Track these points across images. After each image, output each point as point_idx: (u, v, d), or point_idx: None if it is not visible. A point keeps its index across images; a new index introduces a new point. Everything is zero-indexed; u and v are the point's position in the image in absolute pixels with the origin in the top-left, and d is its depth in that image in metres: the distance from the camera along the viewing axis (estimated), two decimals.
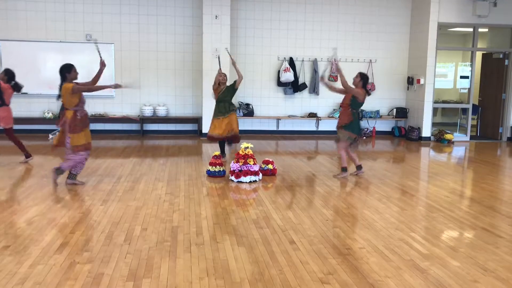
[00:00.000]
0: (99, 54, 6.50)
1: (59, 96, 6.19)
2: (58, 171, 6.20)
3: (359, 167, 7.17)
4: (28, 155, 7.66)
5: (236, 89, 8.00)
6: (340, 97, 10.71)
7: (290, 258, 3.88)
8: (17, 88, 7.77)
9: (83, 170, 7.14)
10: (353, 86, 6.82)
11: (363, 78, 6.81)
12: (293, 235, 4.44)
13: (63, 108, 6.30)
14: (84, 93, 6.16)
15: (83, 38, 10.85)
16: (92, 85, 6.28)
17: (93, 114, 10.86)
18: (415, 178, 7.24)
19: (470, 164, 9.05)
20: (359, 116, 6.96)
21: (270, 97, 11.64)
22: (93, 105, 10.82)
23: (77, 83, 6.11)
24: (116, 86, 6.60)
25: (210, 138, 8.06)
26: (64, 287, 3.31)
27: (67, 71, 6.08)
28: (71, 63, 6.22)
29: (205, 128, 10.79)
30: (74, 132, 6.02)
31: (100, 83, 6.44)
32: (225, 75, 7.99)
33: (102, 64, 6.39)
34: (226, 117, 7.87)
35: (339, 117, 7.13)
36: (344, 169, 7.01)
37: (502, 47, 11.81)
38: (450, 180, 7.14)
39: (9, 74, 7.59)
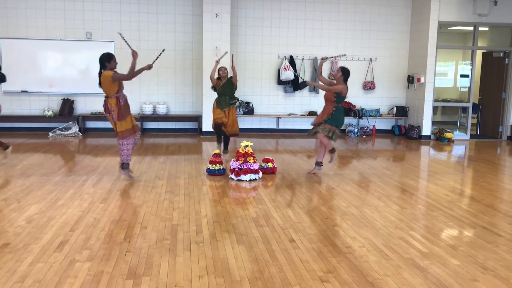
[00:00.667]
0: (128, 44, 6.47)
1: (100, 84, 6.19)
2: (124, 166, 6.37)
3: (319, 164, 7.08)
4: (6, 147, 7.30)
5: (235, 83, 8.15)
6: None
7: (290, 257, 3.88)
8: (2, 78, 7.45)
9: (83, 168, 7.16)
10: (334, 82, 6.88)
11: (344, 73, 6.85)
12: (293, 234, 4.44)
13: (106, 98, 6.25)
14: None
15: (83, 36, 10.85)
16: (133, 74, 6.25)
17: (93, 112, 10.86)
18: (415, 177, 7.24)
19: (470, 162, 9.04)
20: (343, 110, 6.96)
21: (270, 96, 11.64)
22: (93, 103, 10.83)
23: (116, 72, 6.17)
24: (150, 67, 6.47)
25: (214, 125, 8.17)
26: (64, 285, 3.31)
27: (106, 60, 6.12)
28: (111, 52, 6.28)
29: (205, 127, 10.82)
30: (123, 118, 6.17)
31: None
32: (225, 69, 8.07)
33: (135, 54, 6.35)
34: (225, 111, 8.06)
35: (321, 112, 7.04)
36: (318, 163, 7.05)
37: (502, 46, 11.80)
38: (450, 178, 7.14)
39: None
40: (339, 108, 6.86)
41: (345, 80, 6.84)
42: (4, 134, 10.39)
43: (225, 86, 8.05)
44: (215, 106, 8.17)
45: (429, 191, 6.37)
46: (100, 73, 6.14)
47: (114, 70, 6.19)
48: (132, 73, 6.22)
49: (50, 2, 10.67)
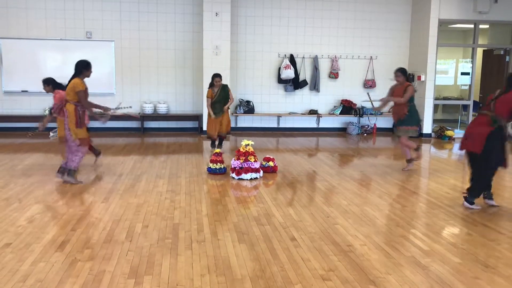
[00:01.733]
0: (118, 109, 6.62)
1: (66, 86, 6.14)
2: (70, 172, 6.16)
3: (410, 161, 7.33)
4: (98, 153, 7.51)
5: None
6: (339, 94, 10.75)
7: (291, 255, 3.88)
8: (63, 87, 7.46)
9: (83, 168, 7.15)
10: (404, 95, 6.92)
11: (404, 73, 7.06)
12: (294, 232, 4.44)
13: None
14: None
15: (83, 36, 10.85)
16: (88, 106, 6.21)
17: (94, 111, 10.84)
18: (416, 175, 7.23)
19: None
20: (414, 107, 7.18)
21: (271, 94, 11.64)
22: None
23: (86, 89, 6.13)
24: (107, 109, 6.48)
25: (209, 136, 8.85)
26: (66, 284, 3.31)
27: (85, 67, 6.10)
28: (89, 61, 6.22)
29: (206, 126, 10.83)
30: (81, 126, 6.11)
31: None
32: (220, 79, 8.47)
33: (107, 110, 6.43)
34: (219, 117, 8.53)
35: (392, 113, 7.32)
36: (409, 161, 7.32)
37: (503, 44, 11.79)
38: (451, 176, 7.14)
39: (51, 82, 7.20)
40: (411, 107, 7.07)
41: (408, 78, 7.11)
42: (5, 134, 10.40)
43: (220, 95, 8.46)
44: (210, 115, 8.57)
45: (430, 189, 6.36)
46: (72, 77, 6.06)
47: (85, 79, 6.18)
48: (89, 107, 6.23)
49: (50, 2, 10.67)
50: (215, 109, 8.48)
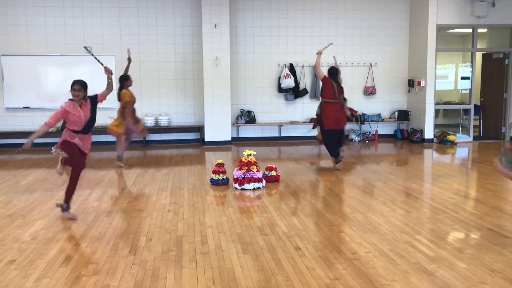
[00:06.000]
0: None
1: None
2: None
3: None
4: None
5: None
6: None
7: (296, 265, 3.87)
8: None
9: (87, 182, 7.16)
10: None
11: None
12: (299, 241, 4.43)
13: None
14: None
15: (83, 51, 10.89)
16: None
17: (95, 125, 10.87)
18: (419, 181, 7.21)
19: (473, 164, 9.02)
20: None
21: (272, 104, 11.66)
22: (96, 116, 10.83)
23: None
24: None
25: None
26: None
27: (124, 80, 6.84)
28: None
29: (207, 137, 10.85)
30: None
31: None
32: None
33: None
34: None
35: None
36: None
37: (501, 47, 11.81)
38: (454, 181, 7.12)
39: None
40: None
41: None
42: (7, 151, 10.42)
43: None
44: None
45: (433, 194, 6.35)
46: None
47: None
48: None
49: (50, 18, 10.75)
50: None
